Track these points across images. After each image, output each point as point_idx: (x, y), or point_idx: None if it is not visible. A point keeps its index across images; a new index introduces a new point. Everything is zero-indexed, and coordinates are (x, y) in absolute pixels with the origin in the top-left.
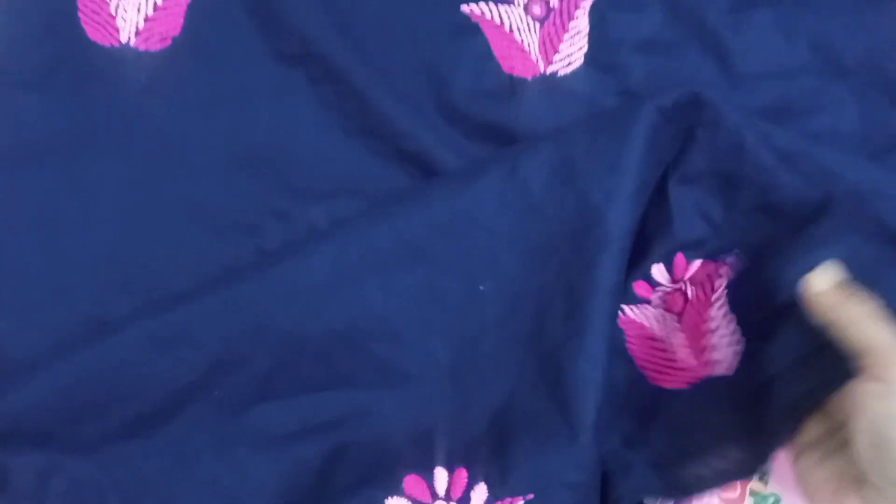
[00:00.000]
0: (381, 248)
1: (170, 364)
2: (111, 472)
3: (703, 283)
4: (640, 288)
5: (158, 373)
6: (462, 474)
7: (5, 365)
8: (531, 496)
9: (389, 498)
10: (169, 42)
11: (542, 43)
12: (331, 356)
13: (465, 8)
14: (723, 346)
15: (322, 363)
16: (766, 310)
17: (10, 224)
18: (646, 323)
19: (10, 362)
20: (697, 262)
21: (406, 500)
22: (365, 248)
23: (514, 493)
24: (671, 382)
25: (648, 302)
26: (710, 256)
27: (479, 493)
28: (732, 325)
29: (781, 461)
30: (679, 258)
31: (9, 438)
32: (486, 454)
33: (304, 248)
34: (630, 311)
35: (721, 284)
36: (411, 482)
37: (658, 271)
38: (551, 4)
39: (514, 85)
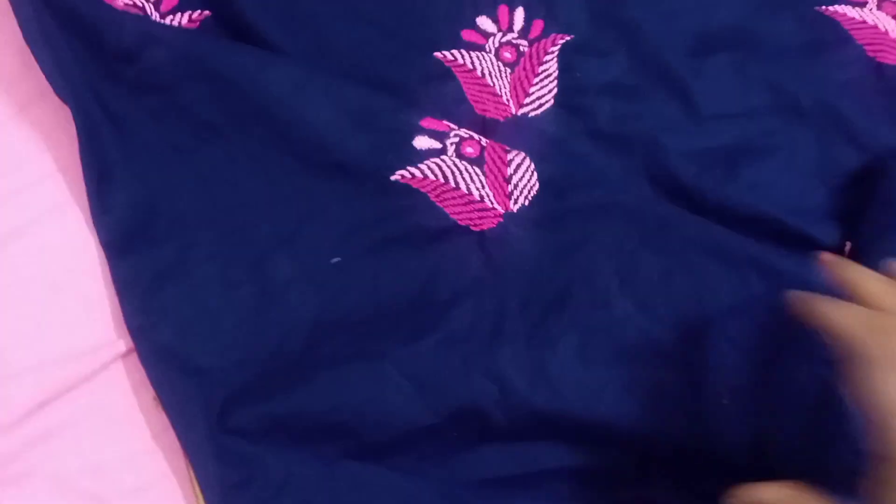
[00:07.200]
0: None
1: (419, 406)
2: (340, 488)
3: None
4: None
5: (401, 409)
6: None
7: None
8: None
9: None
10: None
11: (514, 86)
12: None
13: (437, 54)
14: None
15: None
16: None
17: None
18: None
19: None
20: None
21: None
22: None
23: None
24: None
25: None
26: None
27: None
28: None
29: None
30: None
31: (262, 436)
32: None
33: None
34: None
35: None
36: None
37: None
38: (521, 50)
39: (486, 126)
